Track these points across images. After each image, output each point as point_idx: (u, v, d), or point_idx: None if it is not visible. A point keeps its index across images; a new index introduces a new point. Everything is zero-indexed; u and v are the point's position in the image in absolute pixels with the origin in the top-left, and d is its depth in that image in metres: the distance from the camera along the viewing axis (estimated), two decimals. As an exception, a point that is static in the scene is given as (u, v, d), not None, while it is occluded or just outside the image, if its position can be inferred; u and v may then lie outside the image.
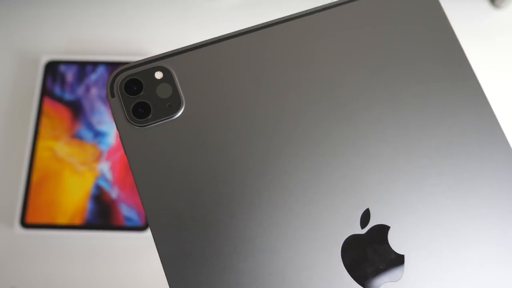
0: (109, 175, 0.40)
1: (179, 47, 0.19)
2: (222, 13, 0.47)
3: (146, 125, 0.18)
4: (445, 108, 0.19)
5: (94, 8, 0.48)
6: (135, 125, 0.18)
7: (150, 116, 0.18)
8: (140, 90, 0.18)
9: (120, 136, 0.18)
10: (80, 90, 0.43)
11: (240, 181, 0.17)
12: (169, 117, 0.18)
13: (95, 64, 0.44)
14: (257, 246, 0.17)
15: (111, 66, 0.43)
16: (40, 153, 0.41)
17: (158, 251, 0.17)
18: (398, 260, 0.17)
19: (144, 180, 0.17)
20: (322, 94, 0.18)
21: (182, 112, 0.18)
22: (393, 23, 0.19)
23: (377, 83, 0.19)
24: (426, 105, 0.19)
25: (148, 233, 0.39)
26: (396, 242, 0.18)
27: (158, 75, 0.18)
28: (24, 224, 0.39)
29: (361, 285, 0.17)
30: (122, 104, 0.18)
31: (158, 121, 0.18)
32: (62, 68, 0.44)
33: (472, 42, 0.43)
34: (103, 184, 0.40)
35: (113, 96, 0.18)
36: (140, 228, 0.39)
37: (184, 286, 0.16)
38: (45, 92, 0.43)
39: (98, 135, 0.41)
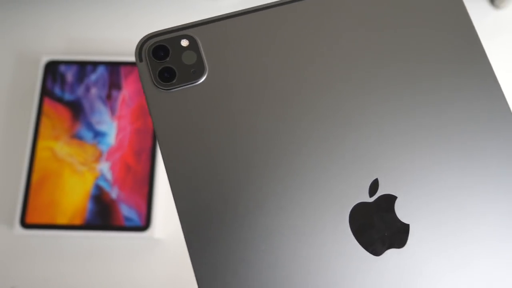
0: (109, 175, 0.40)
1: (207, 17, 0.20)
2: (223, 13, 0.47)
3: (171, 89, 0.19)
4: (456, 87, 0.20)
5: (94, 8, 0.48)
6: (160, 88, 0.19)
7: (174, 81, 0.19)
8: (167, 56, 0.19)
9: (146, 98, 0.19)
10: (80, 90, 0.43)
11: (256, 145, 0.19)
12: (192, 82, 0.19)
13: (95, 64, 0.44)
14: (270, 208, 0.18)
15: (111, 66, 0.43)
16: (40, 153, 0.41)
17: (176, 207, 0.18)
18: (403, 229, 0.18)
19: (167, 139, 0.18)
20: (341, 69, 0.19)
21: (205, 78, 0.19)
22: (413, 7, 0.20)
23: (393, 62, 0.20)
24: (439, 84, 0.20)
25: (148, 233, 0.39)
26: (402, 211, 0.18)
27: (184, 42, 0.19)
28: (24, 224, 0.39)
29: (367, 250, 0.18)
30: (150, 68, 0.19)
31: (182, 86, 0.19)
32: (62, 68, 0.44)
33: (472, 42, 0.43)
34: (103, 184, 0.40)
35: (141, 60, 0.19)
36: (140, 228, 0.39)
37: (197, 240, 0.17)
38: (45, 92, 0.43)
39: (98, 135, 0.41)
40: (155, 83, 0.19)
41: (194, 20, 0.20)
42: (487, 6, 0.47)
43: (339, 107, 0.19)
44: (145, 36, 0.19)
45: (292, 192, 0.18)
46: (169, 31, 0.19)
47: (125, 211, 0.39)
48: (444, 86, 0.20)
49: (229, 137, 0.19)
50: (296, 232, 0.18)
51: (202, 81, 0.19)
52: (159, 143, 0.18)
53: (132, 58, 0.43)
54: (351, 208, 0.18)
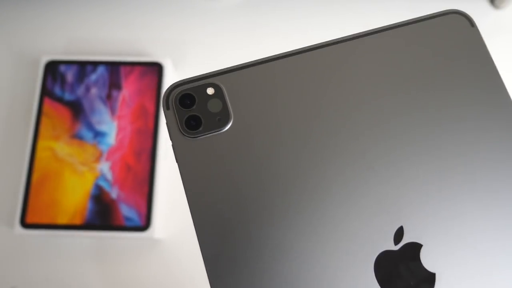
0: (109, 175, 0.40)
1: (232, 65, 0.20)
2: (222, 13, 0.47)
3: (197, 137, 0.19)
4: (481, 129, 0.19)
5: (94, 8, 0.48)
6: (187, 136, 0.19)
7: (201, 128, 0.19)
8: (193, 104, 0.19)
9: (172, 146, 0.19)
10: (80, 90, 0.43)
11: (282, 192, 0.19)
12: (218, 130, 0.19)
13: (95, 64, 0.44)
14: (295, 255, 0.18)
15: (111, 66, 0.43)
16: (40, 153, 0.41)
17: (201, 252, 0.18)
18: (429, 278, 0.18)
19: (192, 185, 0.19)
20: (364, 115, 0.20)
21: (231, 126, 0.19)
22: (433, 50, 0.20)
23: (415, 107, 0.20)
24: (462, 127, 0.19)
25: (148, 233, 0.39)
26: (428, 260, 0.18)
27: (210, 91, 0.20)
28: (24, 224, 0.39)
29: None
30: (176, 116, 0.19)
31: (208, 133, 0.19)
32: (62, 68, 0.44)
33: (472, 42, 0.43)
34: (103, 184, 0.40)
35: (168, 108, 0.19)
36: (140, 228, 0.39)
37: (223, 285, 0.18)
38: (45, 92, 0.43)
39: (98, 135, 0.41)
40: (181, 131, 0.19)
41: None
42: (487, 6, 0.47)
43: (362, 153, 0.19)
44: (172, 84, 0.20)
45: (317, 240, 0.18)
46: (195, 80, 0.20)
47: (125, 211, 0.39)
48: (468, 129, 0.19)
49: (253, 183, 0.19)
50: (323, 280, 0.18)
51: (227, 129, 0.19)
52: (185, 189, 0.18)
53: (131, 58, 0.43)
54: (376, 256, 0.18)
